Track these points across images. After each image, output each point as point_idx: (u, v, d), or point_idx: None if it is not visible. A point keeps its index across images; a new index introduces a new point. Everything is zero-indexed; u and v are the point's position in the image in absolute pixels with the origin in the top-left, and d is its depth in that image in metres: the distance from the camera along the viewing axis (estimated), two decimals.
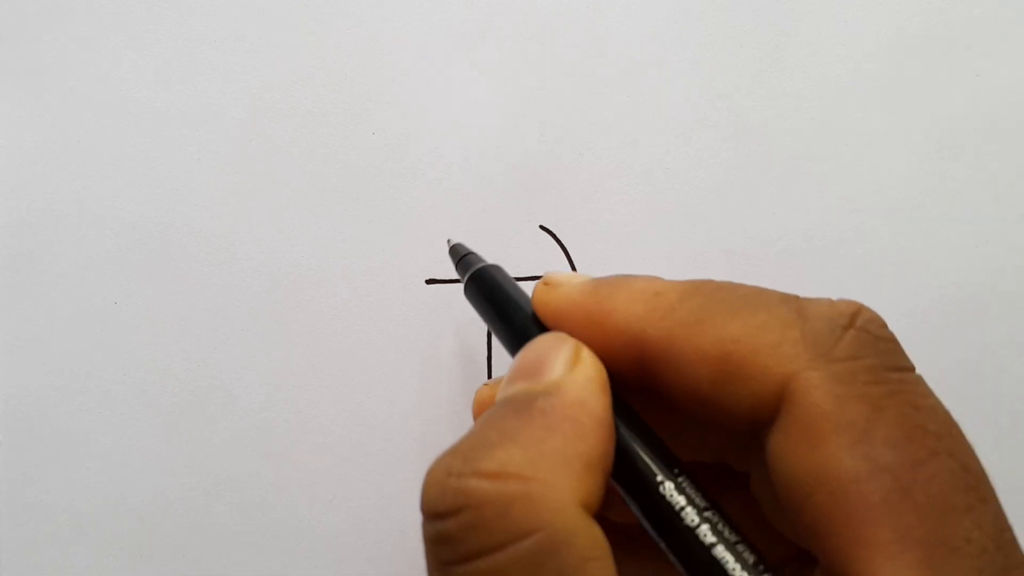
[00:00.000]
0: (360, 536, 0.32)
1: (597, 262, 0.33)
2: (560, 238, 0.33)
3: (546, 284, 0.20)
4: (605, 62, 0.33)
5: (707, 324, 0.16)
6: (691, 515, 0.16)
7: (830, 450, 0.15)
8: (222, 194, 0.32)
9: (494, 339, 0.33)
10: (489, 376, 0.33)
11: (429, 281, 0.32)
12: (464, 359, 0.33)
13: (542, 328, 0.19)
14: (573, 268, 0.33)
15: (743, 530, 0.16)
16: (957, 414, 0.35)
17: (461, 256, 0.27)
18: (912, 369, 0.16)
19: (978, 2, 0.33)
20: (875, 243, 0.33)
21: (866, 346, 0.15)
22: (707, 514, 0.16)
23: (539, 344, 0.18)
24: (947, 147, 0.33)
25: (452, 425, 0.33)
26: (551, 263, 0.33)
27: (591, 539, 0.15)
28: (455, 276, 0.33)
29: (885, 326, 0.16)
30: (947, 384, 0.33)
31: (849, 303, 0.16)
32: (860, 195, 0.33)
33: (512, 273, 0.33)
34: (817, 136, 0.33)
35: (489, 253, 0.33)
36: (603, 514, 0.21)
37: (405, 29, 0.33)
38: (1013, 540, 0.15)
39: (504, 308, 0.22)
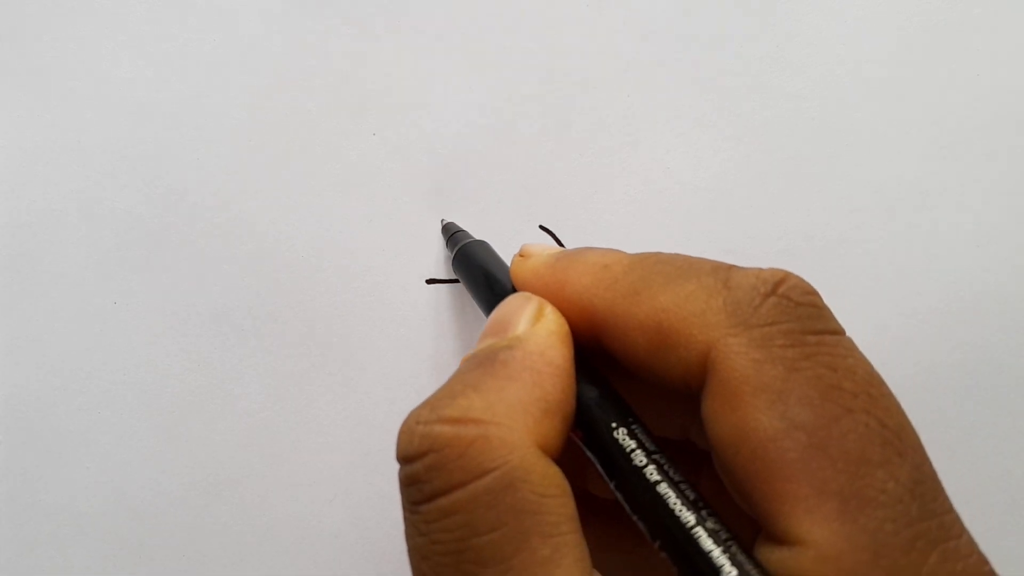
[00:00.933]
0: (360, 536, 0.32)
1: None
2: (560, 238, 0.33)
3: (521, 256, 0.21)
4: (605, 62, 0.33)
5: (643, 295, 0.18)
6: (640, 456, 0.17)
7: (748, 412, 0.15)
8: (222, 194, 0.32)
9: None
10: None
11: (429, 281, 0.32)
12: None
13: None
14: None
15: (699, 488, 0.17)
16: (957, 413, 0.35)
17: (452, 233, 0.30)
18: (837, 332, 0.17)
19: (978, 2, 0.33)
20: (875, 243, 0.33)
21: (785, 311, 0.16)
22: (655, 456, 0.17)
23: (507, 304, 0.19)
24: (947, 147, 0.33)
25: None
26: None
27: (547, 477, 0.16)
28: (455, 277, 0.33)
29: (810, 292, 0.17)
30: (947, 384, 0.33)
31: (775, 272, 0.17)
32: (860, 195, 0.33)
33: None
34: (817, 136, 0.33)
35: None
36: (591, 491, 0.21)
37: (405, 30, 0.33)
38: (932, 491, 0.15)
39: (484, 278, 0.24)
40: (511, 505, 0.15)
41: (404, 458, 0.16)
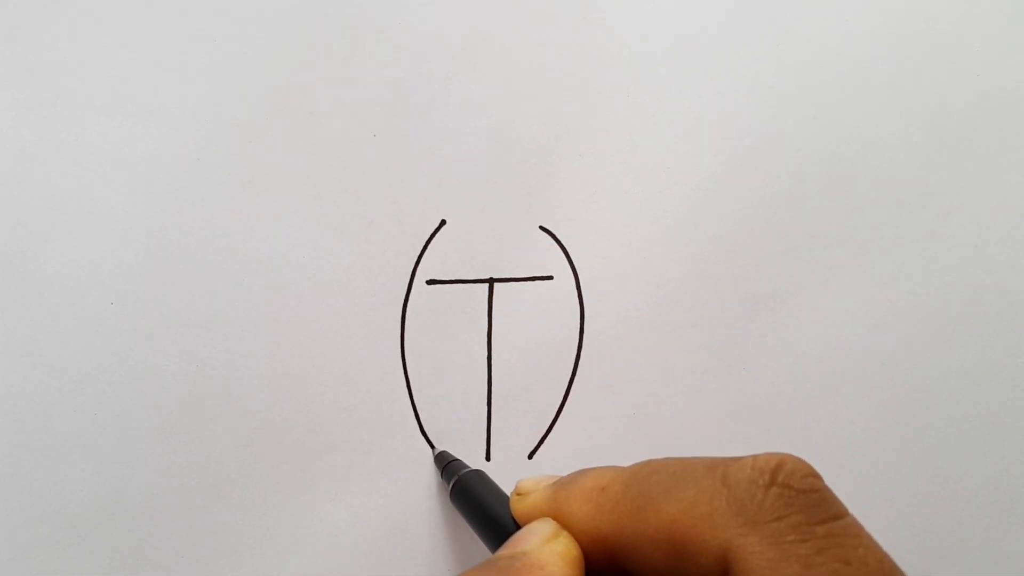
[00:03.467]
0: (360, 536, 0.32)
1: (597, 262, 0.33)
2: (560, 238, 0.33)
3: (518, 494, 0.22)
4: (605, 62, 0.33)
5: (648, 511, 0.18)
6: None
7: None
8: (221, 194, 0.32)
9: (494, 340, 0.33)
10: (489, 374, 0.33)
11: (429, 281, 0.32)
12: (464, 359, 0.33)
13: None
14: (573, 268, 0.33)
15: None
16: (957, 414, 0.35)
17: (446, 463, 0.30)
18: (842, 515, 0.17)
19: (978, 2, 0.33)
20: (875, 243, 0.33)
21: (790, 503, 0.16)
22: None
23: (528, 526, 0.20)
24: (947, 147, 0.33)
25: (451, 424, 0.33)
26: (551, 263, 0.33)
27: None
28: (455, 276, 0.33)
29: (809, 475, 0.17)
30: (947, 384, 0.33)
31: (769, 458, 0.17)
32: (860, 195, 0.33)
33: (512, 274, 0.33)
34: (817, 136, 0.33)
35: (489, 253, 0.33)
36: None
37: (405, 31, 0.33)
38: None
39: (486, 516, 0.25)
40: None
41: None
